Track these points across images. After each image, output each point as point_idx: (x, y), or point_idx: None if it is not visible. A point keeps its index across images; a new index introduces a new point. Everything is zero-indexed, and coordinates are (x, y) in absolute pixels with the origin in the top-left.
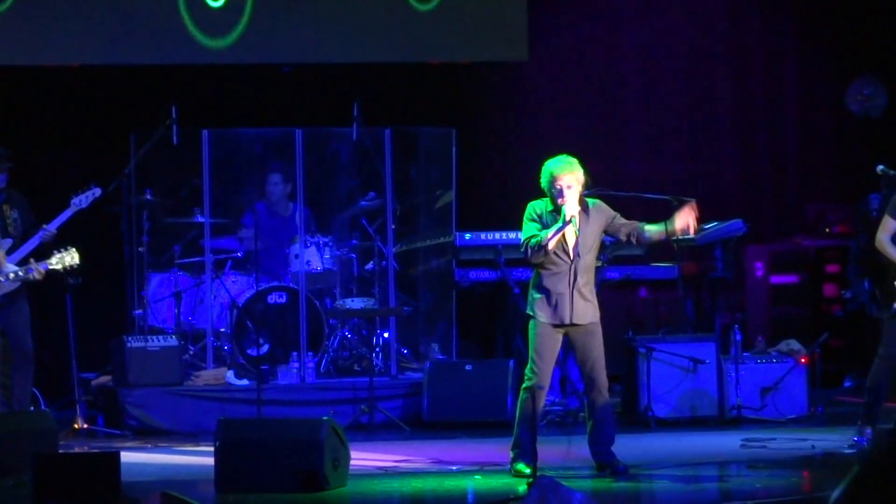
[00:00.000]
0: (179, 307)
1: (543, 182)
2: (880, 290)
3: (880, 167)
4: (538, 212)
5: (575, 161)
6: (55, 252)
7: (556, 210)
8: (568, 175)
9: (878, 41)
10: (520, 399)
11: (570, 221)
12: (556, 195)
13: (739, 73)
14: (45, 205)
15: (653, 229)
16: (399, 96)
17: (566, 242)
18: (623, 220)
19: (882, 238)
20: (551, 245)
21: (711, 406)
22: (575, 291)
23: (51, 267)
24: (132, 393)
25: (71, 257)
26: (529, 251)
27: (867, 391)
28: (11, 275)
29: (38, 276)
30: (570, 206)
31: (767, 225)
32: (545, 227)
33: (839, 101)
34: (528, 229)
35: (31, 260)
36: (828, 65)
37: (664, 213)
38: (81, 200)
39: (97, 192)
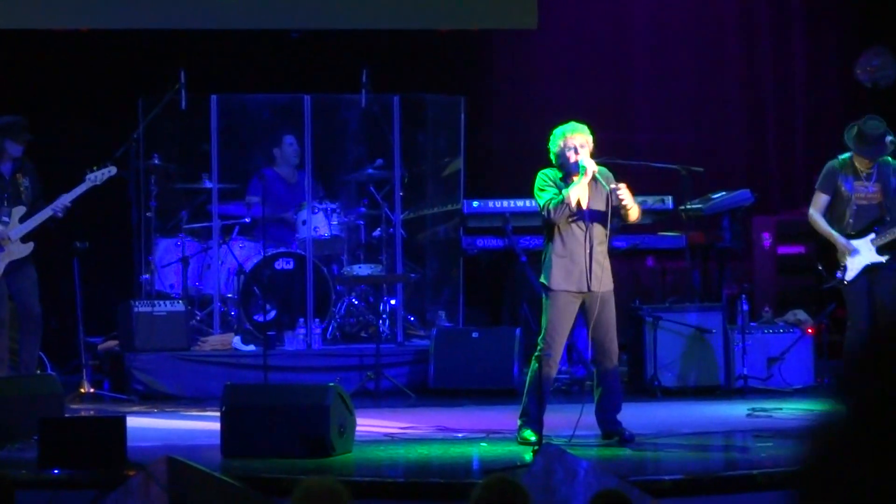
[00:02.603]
0: (187, 272)
1: (554, 146)
2: (822, 262)
3: (889, 138)
4: (552, 178)
5: (585, 126)
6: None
7: (568, 175)
8: (579, 136)
9: (888, 12)
10: (531, 368)
11: (592, 176)
12: (568, 155)
13: (748, 42)
14: (53, 170)
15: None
16: (408, 63)
17: (581, 206)
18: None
19: (811, 212)
20: (573, 201)
21: (718, 376)
22: (593, 258)
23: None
24: (139, 358)
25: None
26: (552, 211)
27: (843, 364)
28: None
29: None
30: (590, 162)
31: (775, 195)
32: (560, 190)
33: (848, 71)
34: (546, 192)
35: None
36: (837, 35)
37: (672, 182)
38: (97, 177)
39: (113, 170)
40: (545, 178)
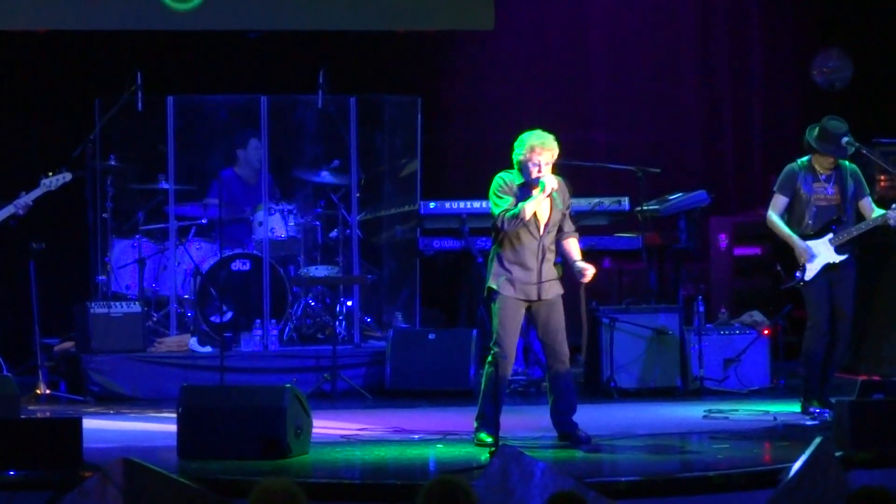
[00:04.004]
0: (143, 273)
1: (519, 153)
2: (781, 263)
3: (844, 139)
4: (508, 183)
5: (553, 138)
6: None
7: (528, 183)
8: (548, 152)
9: (843, 13)
10: (485, 370)
11: (550, 193)
12: (530, 168)
13: (705, 43)
14: (9, 171)
15: (567, 251)
16: (365, 64)
17: (538, 218)
18: (568, 217)
19: (770, 214)
20: (528, 216)
21: (674, 377)
22: (543, 267)
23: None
24: (95, 359)
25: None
26: (505, 222)
27: (801, 364)
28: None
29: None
30: (550, 179)
31: (731, 196)
32: (517, 199)
33: (805, 72)
34: (503, 200)
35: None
36: (793, 36)
37: (629, 183)
38: (51, 182)
39: (68, 177)
40: (502, 183)
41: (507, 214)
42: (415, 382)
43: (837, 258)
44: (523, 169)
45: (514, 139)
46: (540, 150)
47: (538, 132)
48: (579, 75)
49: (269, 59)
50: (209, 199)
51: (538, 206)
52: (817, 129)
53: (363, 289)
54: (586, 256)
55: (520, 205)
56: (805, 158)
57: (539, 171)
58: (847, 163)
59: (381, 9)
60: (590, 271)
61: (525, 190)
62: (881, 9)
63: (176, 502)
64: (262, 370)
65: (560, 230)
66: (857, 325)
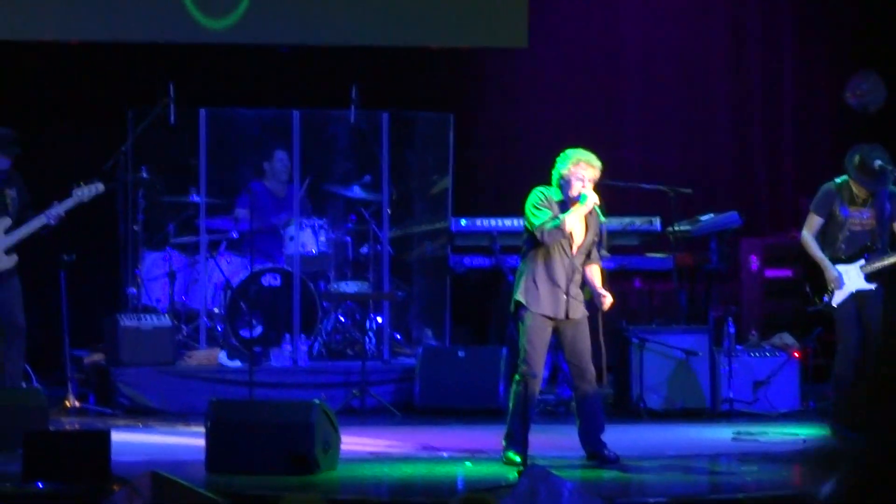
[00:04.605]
0: (173, 287)
1: (563, 167)
2: (810, 284)
3: (878, 162)
4: (548, 197)
5: (597, 159)
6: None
7: (566, 200)
8: (592, 169)
9: (877, 36)
10: (513, 388)
11: (591, 208)
12: (573, 181)
13: (737, 64)
14: (42, 181)
15: (590, 277)
16: (398, 80)
17: (572, 237)
18: (595, 251)
19: (805, 234)
20: (568, 228)
21: (703, 398)
22: (571, 286)
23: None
24: (124, 372)
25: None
26: (546, 233)
27: (831, 387)
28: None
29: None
30: (592, 194)
31: (763, 218)
32: (555, 214)
33: (837, 95)
34: (542, 212)
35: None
36: (826, 58)
37: (661, 204)
38: (83, 193)
39: (100, 187)
40: (542, 197)
41: (548, 225)
42: (444, 400)
43: (867, 286)
44: (564, 184)
45: (545, 157)
46: (586, 165)
47: (584, 150)
48: (612, 95)
49: (302, 73)
50: (238, 210)
51: (580, 219)
52: (857, 157)
53: (393, 305)
54: (617, 276)
55: (560, 216)
56: (843, 178)
57: (583, 186)
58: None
59: (415, 25)
60: (608, 300)
61: (562, 207)
62: None
63: None
64: (292, 385)
65: (587, 256)
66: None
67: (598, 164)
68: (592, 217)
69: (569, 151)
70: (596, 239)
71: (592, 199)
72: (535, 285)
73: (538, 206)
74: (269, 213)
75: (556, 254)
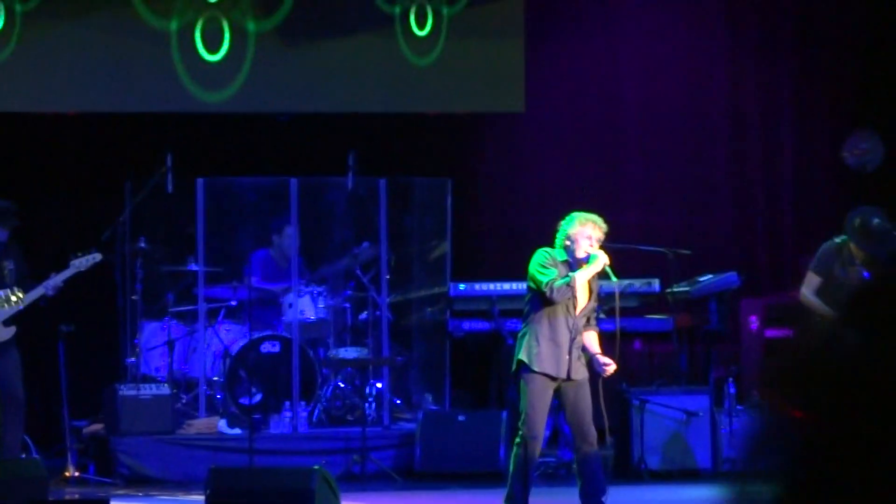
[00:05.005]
0: (172, 355)
1: (570, 228)
2: None
3: (875, 220)
4: (553, 257)
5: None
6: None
7: (574, 259)
8: (599, 230)
9: (876, 95)
10: (513, 450)
11: (600, 267)
12: (580, 241)
13: (736, 126)
14: (40, 253)
15: (587, 343)
16: (395, 146)
17: (576, 298)
18: (594, 316)
19: (804, 292)
20: (579, 284)
21: (705, 459)
22: (573, 347)
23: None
24: (124, 441)
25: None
26: (555, 290)
27: None
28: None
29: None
30: (602, 255)
31: (763, 278)
32: (562, 274)
33: (835, 154)
34: (549, 271)
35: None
36: (826, 117)
37: (659, 265)
38: (81, 263)
39: (97, 257)
40: (548, 256)
41: (558, 283)
42: (445, 464)
43: None
44: (571, 244)
45: (544, 221)
46: (594, 226)
47: (592, 213)
48: (611, 157)
49: (299, 141)
50: (253, 277)
51: (585, 283)
52: (858, 220)
53: (393, 370)
54: (616, 338)
55: (571, 273)
56: (843, 238)
57: (591, 245)
58: None
59: (411, 92)
60: (611, 367)
61: (568, 267)
62: None
63: None
64: (292, 452)
65: (587, 321)
66: None
67: (604, 225)
68: (595, 282)
69: (575, 213)
70: (595, 304)
71: (603, 259)
72: (537, 344)
73: (544, 264)
74: (274, 282)
75: (560, 314)
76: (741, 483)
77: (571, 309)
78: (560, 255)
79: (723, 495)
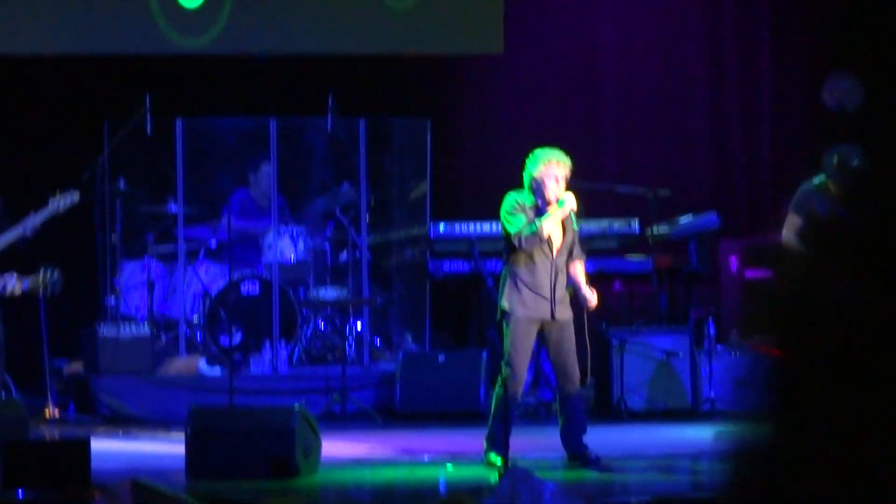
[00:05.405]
0: (152, 296)
1: (533, 170)
2: None
3: (856, 162)
4: (521, 202)
5: (566, 156)
6: (41, 272)
7: (543, 201)
8: (563, 167)
9: (855, 35)
10: (495, 391)
11: (567, 210)
12: (546, 182)
13: (715, 65)
14: (18, 194)
15: (574, 275)
16: (374, 87)
17: (552, 239)
18: (577, 246)
19: (786, 234)
20: (546, 233)
21: (685, 398)
22: (557, 288)
23: (30, 288)
24: (104, 381)
25: (55, 281)
26: (523, 240)
27: None
28: None
29: (15, 293)
30: (570, 197)
31: (742, 219)
32: (530, 218)
33: (815, 94)
34: (517, 219)
35: (14, 275)
36: (804, 58)
37: (639, 206)
38: (59, 203)
39: (76, 197)
40: (515, 203)
41: (525, 231)
42: (424, 404)
43: None
44: (537, 186)
45: (523, 161)
46: (557, 163)
47: (552, 149)
48: (589, 97)
49: (279, 82)
50: (224, 218)
51: (557, 223)
52: (836, 157)
53: (373, 311)
54: (596, 279)
55: (537, 221)
56: (821, 178)
57: (557, 184)
58: None
59: (390, 33)
60: (593, 300)
61: (537, 210)
62: (894, 32)
63: None
64: (272, 392)
65: (569, 254)
66: None
67: (568, 160)
68: (568, 219)
69: (537, 152)
70: (575, 237)
71: (570, 203)
72: (518, 290)
73: (512, 212)
74: (253, 222)
75: (538, 257)
76: (731, 423)
77: (548, 251)
78: (528, 199)
79: (714, 435)
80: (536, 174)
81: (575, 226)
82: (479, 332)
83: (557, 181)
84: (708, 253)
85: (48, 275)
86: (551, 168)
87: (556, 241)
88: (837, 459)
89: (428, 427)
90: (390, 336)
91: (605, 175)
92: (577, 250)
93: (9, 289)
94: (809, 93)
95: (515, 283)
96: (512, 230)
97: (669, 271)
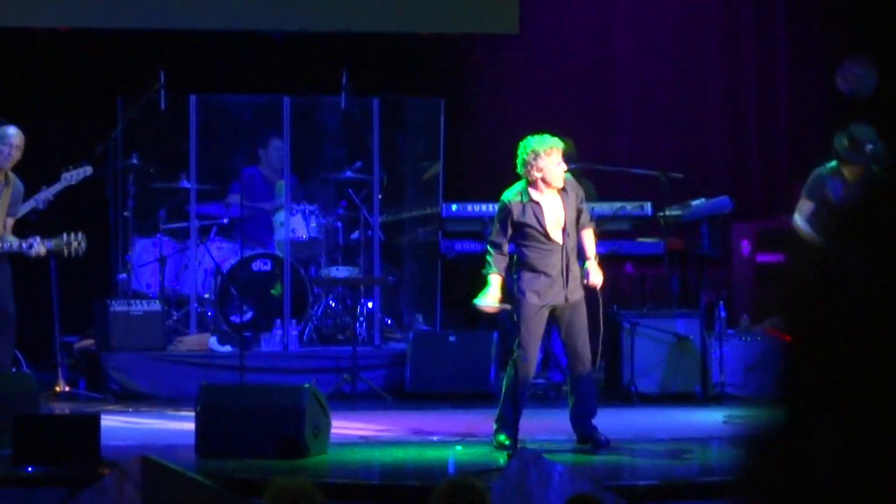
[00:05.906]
0: (164, 272)
1: (539, 160)
2: None
3: (869, 146)
4: (508, 206)
5: (557, 138)
6: (65, 235)
7: (534, 196)
8: (558, 152)
9: (870, 21)
10: (507, 372)
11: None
12: (553, 171)
13: (731, 49)
14: (32, 168)
15: (583, 243)
16: (388, 66)
17: (556, 223)
18: (584, 213)
19: (797, 218)
20: (547, 218)
21: (695, 382)
22: (568, 270)
23: (54, 248)
24: (114, 357)
25: (79, 243)
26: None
27: None
28: (12, 245)
29: (41, 253)
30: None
31: (755, 203)
32: (516, 222)
33: (830, 80)
34: (497, 236)
35: (38, 238)
36: (819, 43)
37: (652, 188)
38: (72, 176)
39: (88, 171)
40: (504, 214)
41: (486, 269)
42: (435, 384)
43: None
44: (541, 177)
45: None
46: (556, 150)
47: (544, 136)
48: (604, 80)
49: (293, 60)
50: (230, 196)
51: (556, 203)
52: (846, 137)
53: (384, 290)
54: (608, 261)
55: (486, 288)
56: (834, 163)
57: (558, 167)
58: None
59: (405, 11)
60: (599, 279)
61: (532, 206)
62: None
63: (193, 500)
64: (282, 370)
65: (577, 222)
66: None
67: (562, 143)
68: (569, 191)
69: (532, 144)
70: (581, 207)
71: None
72: (529, 276)
73: (496, 223)
74: (262, 200)
75: (543, 243)
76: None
77: (557, 236)
78: (523, 197)
79: (724, 420)
80: (541, 165)
81: (575, 200)
82: (490, 313)
83: (559, 163)
84: (720, 236)
85: (73, 237)
86: (553, 156)
87: (560, 225)
88: (851, 445)
89: (438, 407)
90: (401, 316)
91: (619, 156)
92: (584, 218)
93: (35, 248)
94: (825, 77)
95: (528, 269)
96: (489, 246)
97: (681, 254)
